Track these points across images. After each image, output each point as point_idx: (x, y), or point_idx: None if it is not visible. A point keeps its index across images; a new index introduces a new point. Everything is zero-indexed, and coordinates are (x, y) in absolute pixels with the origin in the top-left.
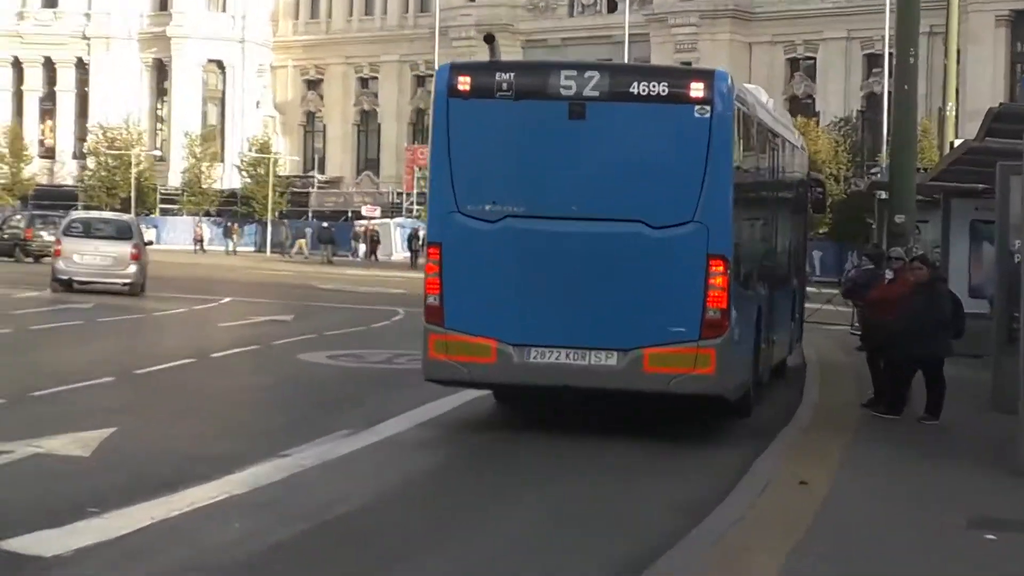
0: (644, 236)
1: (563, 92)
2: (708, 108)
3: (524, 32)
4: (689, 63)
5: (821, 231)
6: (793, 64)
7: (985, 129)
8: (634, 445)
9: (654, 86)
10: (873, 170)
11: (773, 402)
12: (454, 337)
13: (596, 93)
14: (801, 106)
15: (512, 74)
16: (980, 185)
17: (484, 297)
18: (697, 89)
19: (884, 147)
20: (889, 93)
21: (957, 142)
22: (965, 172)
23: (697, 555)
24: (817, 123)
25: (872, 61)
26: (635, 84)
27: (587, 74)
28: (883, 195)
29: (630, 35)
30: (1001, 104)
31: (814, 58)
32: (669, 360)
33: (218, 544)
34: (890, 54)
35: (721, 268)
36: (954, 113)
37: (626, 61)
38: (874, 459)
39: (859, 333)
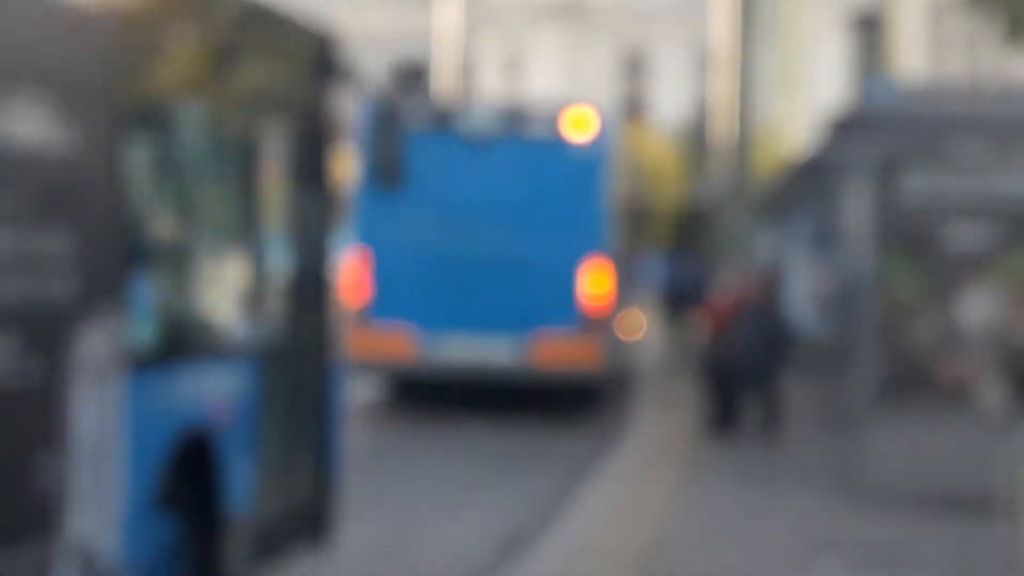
0: None
1: None
2: None
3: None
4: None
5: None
6: (626, 64)
7: (827, 138)
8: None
9: None
10: (710, 180)
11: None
12: None
13: None
14: (634, 108)
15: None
16: (818, 196)
17: None
18: None
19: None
20: (731, 97)
21: (795, 148)
22: (806, 180)
23: None
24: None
25: (705, 63)
26: None
27: None
28: (715, 205)
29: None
30: (841, 114)
31: (646, 59)
32: None
33: None
34: (727, 56)
35: None
36: (793, 117)
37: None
38: (711, 479)
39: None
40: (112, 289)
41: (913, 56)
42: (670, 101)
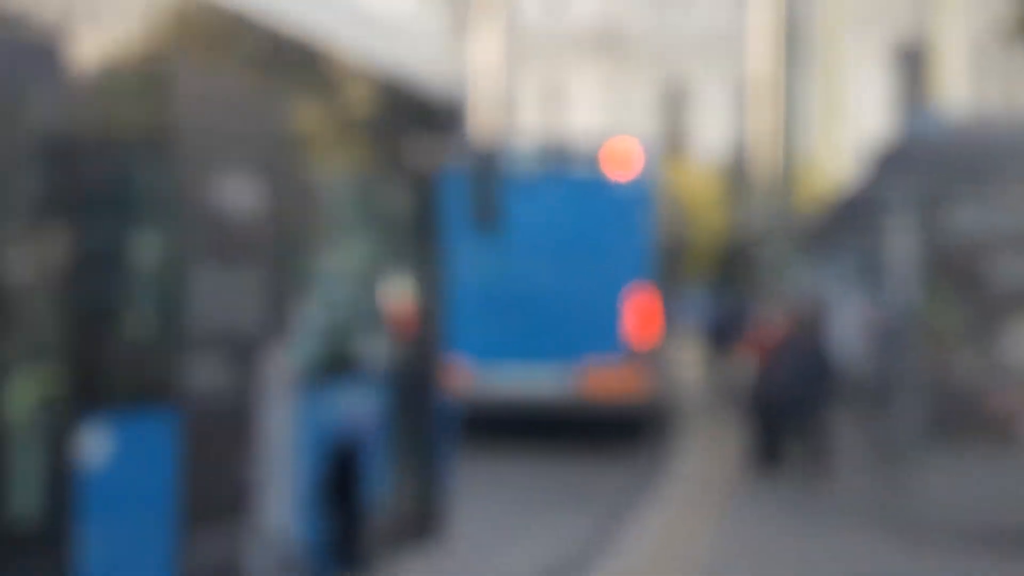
0: None
1: None
2: None
3: None
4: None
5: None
6: (667, 97)
7: (871, 173)
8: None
9: None
10: (752, 213)
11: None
12: None
13: None
14: (675, 141)
15: None
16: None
17: None
18: None
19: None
20: (779, 130)
21: (838, 181)
22: (850, 214)
23: None
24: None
25: (748, 96)
26: None
27: None
28: (760, 240)
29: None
30: (885, 149)
31: (687, 91)
32: None
33: None
34: (767, 88)
35: None
36: (835, 150)
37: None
38: (755, 516)
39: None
40: (288, 322)
41: (956, 87)
42: (711, 133)
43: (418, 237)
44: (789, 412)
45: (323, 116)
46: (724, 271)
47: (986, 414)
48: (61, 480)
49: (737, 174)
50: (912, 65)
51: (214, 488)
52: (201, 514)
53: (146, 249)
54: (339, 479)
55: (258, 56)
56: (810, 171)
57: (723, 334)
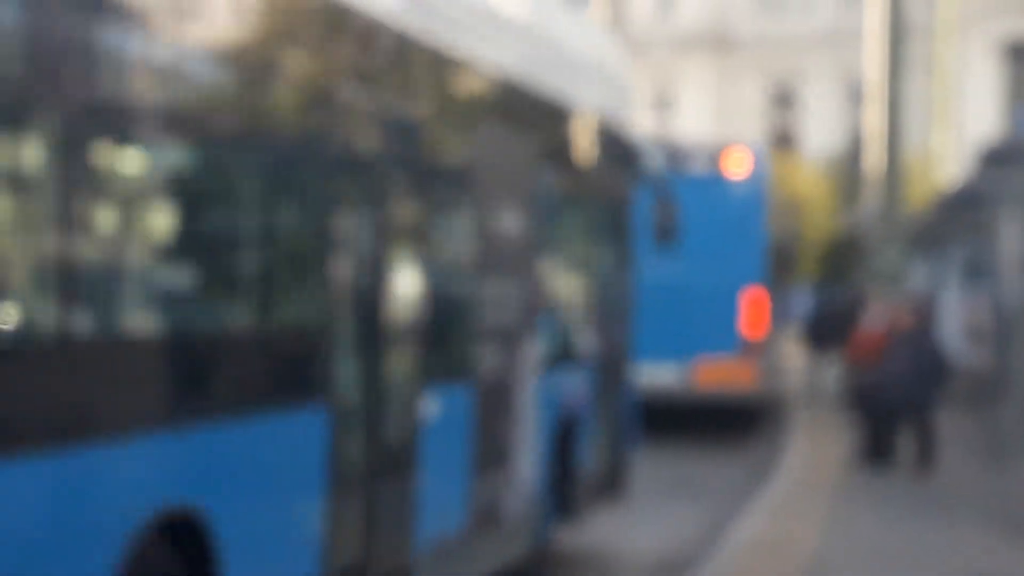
0: None
1: None
2: None
3: None
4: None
5: (807, 276)
6: (775, 96)
7: (978, 169)
8: None
9: None
10: (863, 210)
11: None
12: None
13: None
14: (783, 141)
15: None
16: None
17: None
18: None
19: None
20: (883, 127)
21: (950, 179)
22: (959, 212)
23: None
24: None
25: (858, 93)
26: None
27: None
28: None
29: None
30: (994, 145)
31: (796, 90)
32: None
33: None
34: (878, 87)
35: None
36: (947, 148)
37: None
38: (864, 510)
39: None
40: (535, 323)
41: None
42: (819, 132)
43: (616, 253)
44: (899, 407)
45: (564, 162)
46: (833, 267)
47: None
48: (412, 431)
49: (849, 172)
50: (1022, 64)
51: (492, 444)
52: (485, 462)
53: (457, 273)
54: (562, 444)
55: (528, 122)
56: (923, 169)
57: (824, 330)
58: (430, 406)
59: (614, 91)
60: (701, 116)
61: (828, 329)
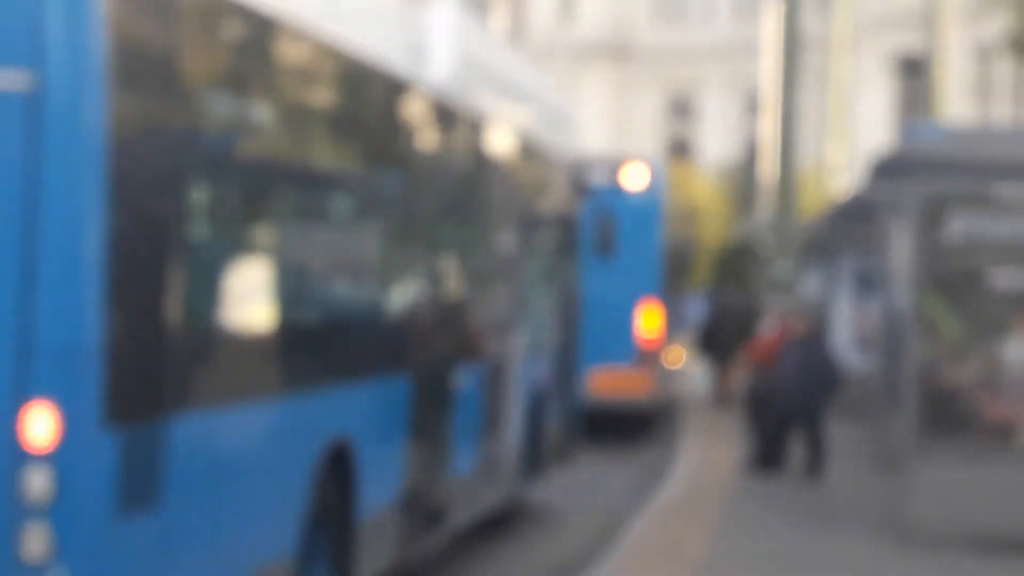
0: None
1: None
2: None
3: None
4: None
5: (700, 283)
6: (673, 106)
7: (869, 181)
8: None
9: None
10: (757, 218)
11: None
12: None
13: None
14: (680, 149)
15: None
16: (864, 235)
17: None
18: None
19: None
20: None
21: (842, 189)
22: (851, 222)
23: None
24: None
25: (754, 104)
26: None
27: None
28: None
29: None
30: (885, 156)
31: (693, 100)
32: None
33: None
34: (773, 98)
35: None
36: (840, 159)
37: None
38: (755, 520)
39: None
40: (518, 319)
41: (959, 100)
42: (716, 141)
43: (569, 262)
44: (790, 414)
45: (540, 194)
46: (726, 274)
47: (984, 420)
48: (451, 396)
49: (744, 181)
50: (915, 76)
51: (493, 411)
52: (488, 424)
53: (476, 281)
54: (534, 415)
55: (519, 167)
56: (817, 179)
57: (718, 337)
58: (459, 380)
59: (573, 137)
60: (600, 125)
61: (723, 336)
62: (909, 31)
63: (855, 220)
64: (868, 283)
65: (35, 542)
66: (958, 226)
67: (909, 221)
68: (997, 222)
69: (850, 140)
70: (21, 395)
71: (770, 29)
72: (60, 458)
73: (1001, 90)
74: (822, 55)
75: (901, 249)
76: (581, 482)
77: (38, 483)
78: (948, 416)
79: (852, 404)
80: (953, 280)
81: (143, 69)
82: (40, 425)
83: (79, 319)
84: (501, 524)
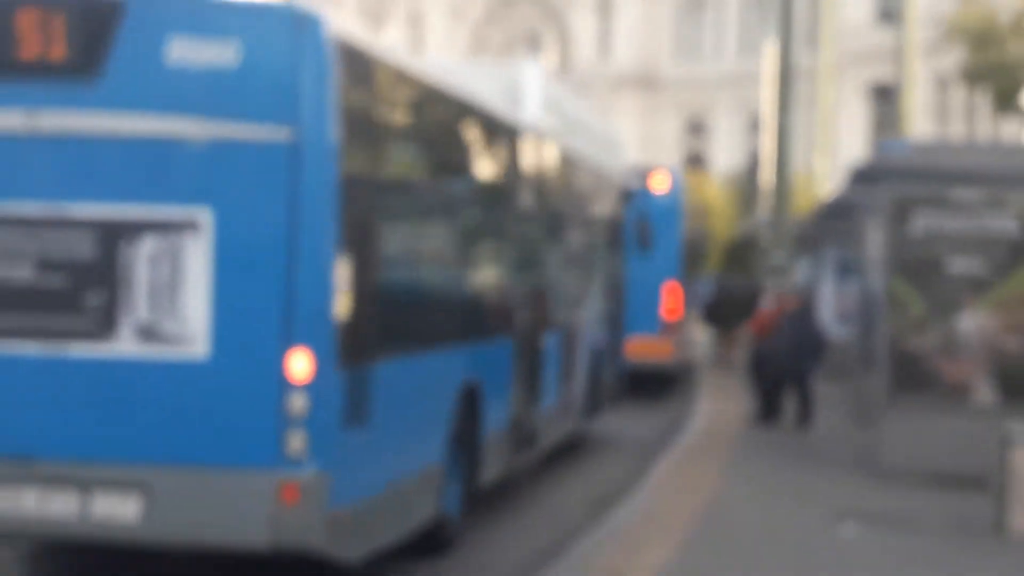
0: None
1: None
2: None
3: None
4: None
5: (711, 269)
6: (689, 126)
7: (848, 186)
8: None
9: None
10: (757, 217)
11: (658, 423)
12: None
13: None
14: (695, 161)
15: None
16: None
17: None
18: None
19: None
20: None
21: (827, 193)
22: (833, 220)
23: (603, 545)
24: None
25: (755, 124)
26: None
27: None
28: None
29: None
30: (860, 167)
31: (706, 121)
32: None
33: None
34: (771, 119)
35: None
36: (825, 169)
37: None
38: (755, 461)
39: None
40: (582, 296)
41: (922, 121)
42: (724, 155)
43: (616, 254)
44: (784, 376)
45: (598, 201)
46: (732, 262)
47: (942, 379)
48: (541, 354)
49: (746, 187)
50: (886, 101)
51: (568, 364)
52: (565, 374)
53: (560, 274)
54: (593, 369)
55: (589, 186)
56: (807, 186)
57: (720, 311)
58: (546, 343)
59: (616, 154)
60: (630, 141)
61: (726, 311)
62: (881, 64)
63: (837, 218)
64: (847, 269)
65: (296, 442)
66: (920, 223)
67: (881, 219)
68: (952, 219)
69: (833, 153)
70: (286, 346)
71: (768, 63)
72: (312, 387)
73: (956, 113)
74: (810, 84)
75: (874, 241)
76: (624, 423)
77: (298, 403)
78: (912, 377)
79: (834, 367)
80: (916, 266)
81: (355, 125)
82: (299, 365)
83: (322, 298)
84: (570, 449)
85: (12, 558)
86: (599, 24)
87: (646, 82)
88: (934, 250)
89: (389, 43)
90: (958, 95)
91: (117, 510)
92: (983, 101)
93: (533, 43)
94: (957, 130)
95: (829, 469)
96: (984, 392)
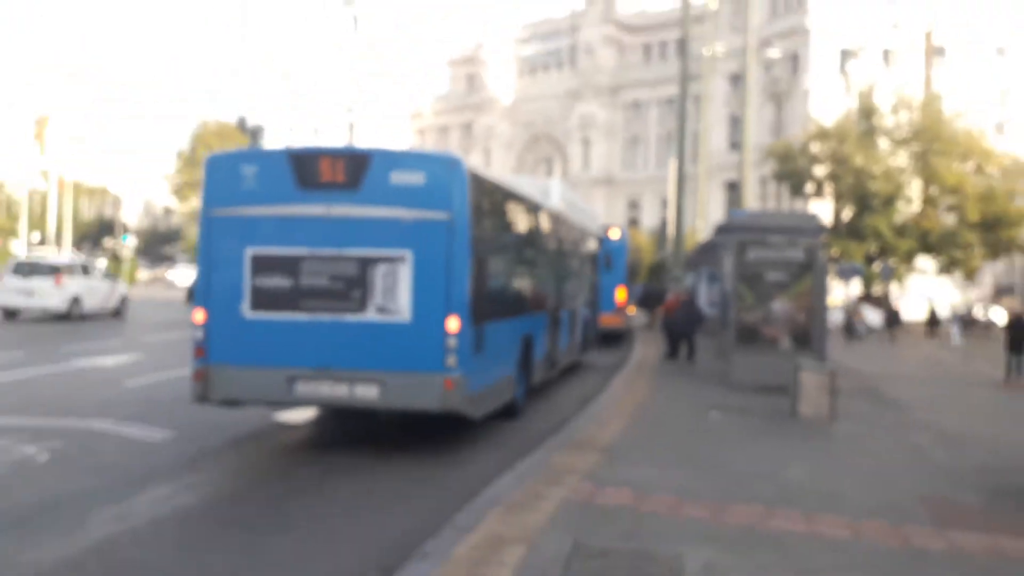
0: None
1: None
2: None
3: None
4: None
5: (641, 280)
6: (629, 204)
7: (713, 234)
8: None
9: None
10: (666, 251)
11: (615, 358)
12: None
13: None
14: (634, 223)
15: None
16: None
17: None
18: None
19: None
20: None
21: (703, 238)
22: (706, 252)
23: (585, 422)
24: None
25: (665, 203)
26: None
27: None
28: (668, 262)
29: None
30: (721, 223)
31: (639, 202)
32: None
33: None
34: (674, 201)
35: None
36: (701, 226)
37: None
38: (665, 379)
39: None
40: (579, 292)
41: (753, 201)
42: (648, 219)
43: (593, 272)
44: (681, 334)
45: (585, 243)
46: (652, 275)
47: (762, 336)
48: (559, 321)
49: (660, 235)
50: (734, 190)
51: (572, 326)
52: (571, 331)
53: (569, 281)
54: (584, 329)
55: (578, 236)
56: (692, 233)
57: (647, 300)
58: (562, 316)
59: (593, 218)
60: (600, 214)
61: (649, 300)
62: (731, 171)
63: (708, 252)
64: (713, 278)
65: (451, 360)
66: (752, 254)
67: (731, 252)
68: (768, 252)
69: (706, 217)
70: (447, 314)
71: (672, 171)
72: (458, 335)
73: (771, 197)
74: (694, 182)
75: (727, 264)
76: (598, 357)
77: (452, 342)
78: (747, 335)
79: (707, 330)
80: (749, 277)
81: (476, 210)
82: (453, 324)
83: (462, 292)
84: (572, 369)
85: (270, 448)
86: (583, 151)
87: (607, 181)
88: (759, 268)
89: (478, 162)
90: (772, 187)
91: (367, 392)
92: (784, 191)
93: (548, 161)
94: (771, 206)
95: (704, 384)
96: (785, 342)
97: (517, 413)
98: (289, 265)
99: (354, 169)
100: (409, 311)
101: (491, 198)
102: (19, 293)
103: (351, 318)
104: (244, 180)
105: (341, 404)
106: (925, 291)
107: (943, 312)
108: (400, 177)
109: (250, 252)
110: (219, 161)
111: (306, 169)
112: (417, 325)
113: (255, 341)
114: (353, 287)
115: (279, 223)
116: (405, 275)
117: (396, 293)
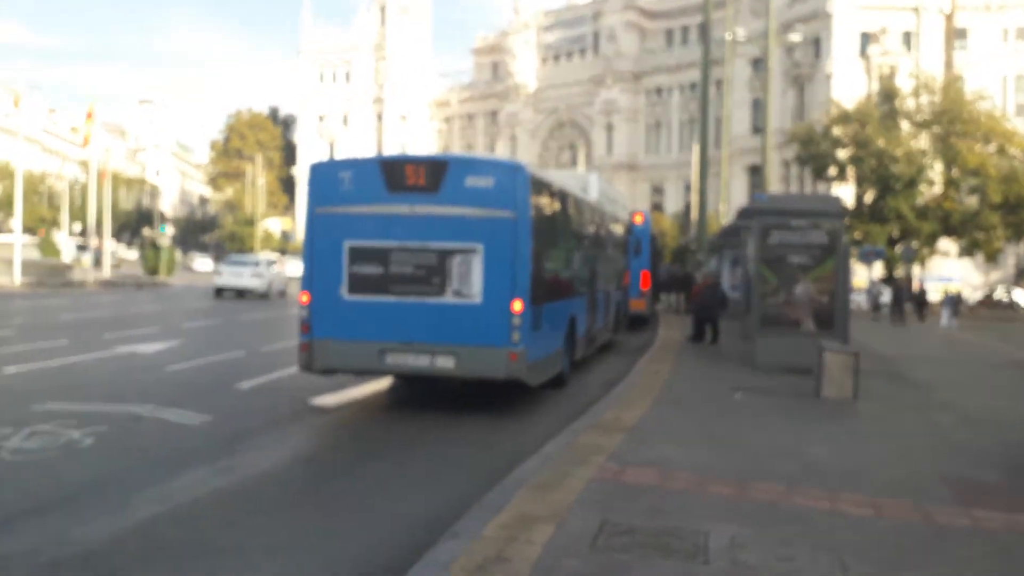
0: None
1: None
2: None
3: None
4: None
5: (668, 262)
6: (654, 189)
7: (736, 218)
8: None
9: None
10: (690, 236)
11: (641, 340)
12: None
13: None
14: (658, 208)
15: None
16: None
17: None
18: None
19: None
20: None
21: (726, 222)
22: (730, 236)
23: (611, 402)
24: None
25: (690, 188)
26: None
27: None
28: (692, 247)
29: None
30: (742, 207)
31: (663, 187)
32: None
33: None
34: (697, 185)
35: None
36: (725, 210)
37: None
38: (689, 361)
39: (685, 306)
40: (611, 277)
41: (776, 185)
42: (672, 204)
43: (626, 256)
44: (707, 317)
45: (611, 233)
46: (676, 258)
47: (786, 319)
48: (597, 301)
49: (684, 220)
50: (757, 174)
51: (607, 307)
52: (606, 311)
53: (606, 267)
54: (617, 311)
55: (612, 223)
56: (715, 218)
57: (668, 285)
58: (599, 298)
59: (624, 207)
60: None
61: (672, 284)
62: (754, 155)
63: (731, 236)
64: (737, 262)
65: (515, 336)
66: (775, 237)
67: (754, 235)
68: (791, 235)
69: (729, 201)
70: (512, 298)
71: (695, 156)
72: (521, 315)
73: (793, 180)
74: (717, 166)
75: (751, 247)
76: (627, 338)
77: (516, 321)
78: (771, 317)
79: (731, 313)
80: (772, 260)
81: (535, 208)
82: (517, 305)
83: (525, 278)
84: (607, 347)
85: (346, 417)
86: (607, 137)
87: (631, 167)
88: (781, 252)
89: (504, 151)
90: (794, 171)
91: (445, 363)
92: (807, 174)
93: (572, 148)
94: (794, 189)
95: (728, 365)
96: (808, 324)
97: (564, 383)
98: (380, 255)
99: (434, 174)
100: (480, 295)
101: (546, 197)
102: (233, 277)
103: (432, 300)
104: (342, 184)
105: (423, 373)
106: (915, 272)
107: (933, 296)
108: (472, 181)
109: (348, 244)
110: (321, 168)
111: (394, 174)
112: (487, 306)
113: (351, 319)
114: (433, 274)
115: (371, 220)
116: (477, 264)
117: (470, 279)
